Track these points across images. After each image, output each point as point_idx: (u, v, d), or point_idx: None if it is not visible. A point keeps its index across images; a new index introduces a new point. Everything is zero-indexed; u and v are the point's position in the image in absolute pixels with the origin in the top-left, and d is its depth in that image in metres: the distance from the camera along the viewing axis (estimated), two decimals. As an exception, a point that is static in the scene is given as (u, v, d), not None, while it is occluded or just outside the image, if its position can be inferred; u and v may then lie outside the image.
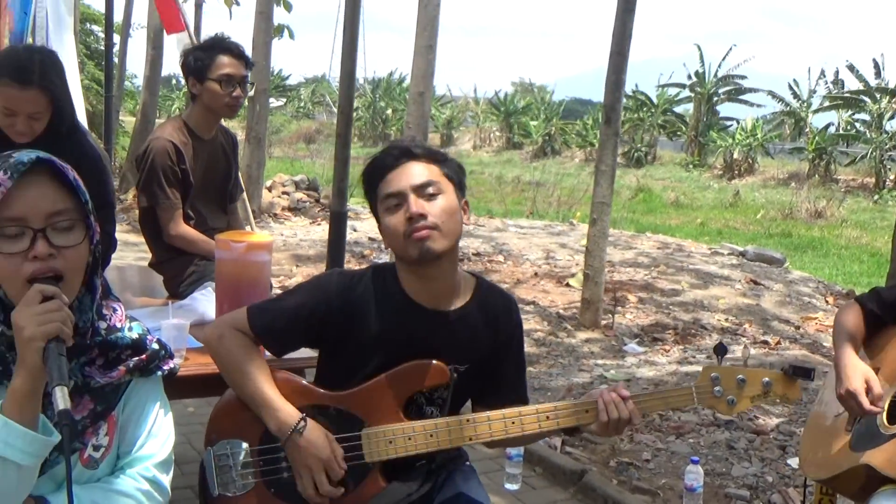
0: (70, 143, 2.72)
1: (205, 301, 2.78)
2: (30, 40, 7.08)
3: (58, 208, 1.49)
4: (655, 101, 29.32)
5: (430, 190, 1.91)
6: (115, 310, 1.65)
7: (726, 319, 7.02)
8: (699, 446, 4.16)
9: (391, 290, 1.98)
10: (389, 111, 35.25)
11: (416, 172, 1.92)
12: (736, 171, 24.76)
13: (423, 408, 2.02)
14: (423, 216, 1.87)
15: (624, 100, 6.62)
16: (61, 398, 1.33)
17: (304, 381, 2.04)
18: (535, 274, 8.33)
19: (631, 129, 27.86)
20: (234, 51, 3.20)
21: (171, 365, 1.72)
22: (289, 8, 11.02)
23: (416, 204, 1.88)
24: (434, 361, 1.95)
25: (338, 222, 4.44)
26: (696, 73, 28.68)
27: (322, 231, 10.44)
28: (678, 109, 30.54)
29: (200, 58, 3.17)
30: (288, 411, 1.91)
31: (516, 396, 2.09)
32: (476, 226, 11.26)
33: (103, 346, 1.60)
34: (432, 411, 2.03)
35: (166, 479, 1.67)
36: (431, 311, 1.98)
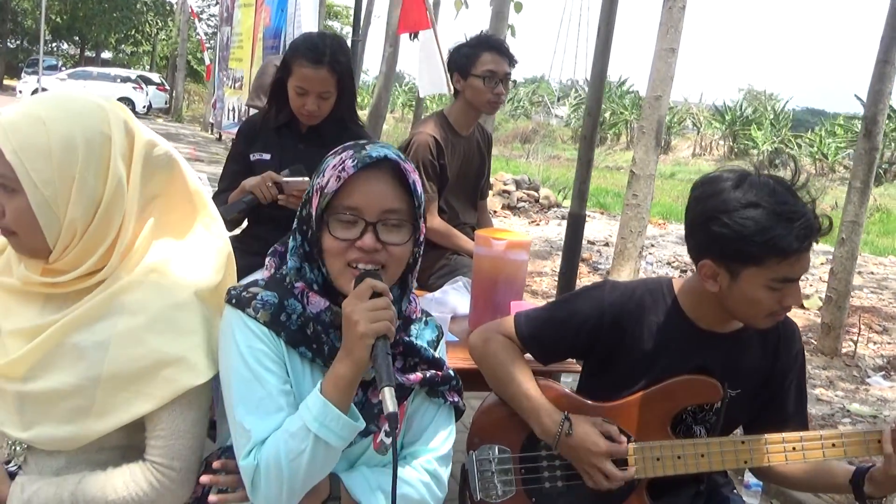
0: (349, 134, 2.83)
1: (457, 295, 2.81)
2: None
3: (393, 206, 1.53)
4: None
5: None
6: (410, 300, 1.69)
7: None
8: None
9: (667, 308, 1.90)
10: (608, 114, 34.72)
11: (809, 262, 1.77)
12: None
13: (692, 427, 1.93)
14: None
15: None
16: (390, 399, 1.36)
17: (567, 391, 2.00)
18: (766, 292, 7.87)
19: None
20: (499, 48, 3.21)
21: (456, 399, 1.71)
22: (519, 9, 11.09)
23: (798, 297, 1.79)
24: (706, 377, 1.86)
25: (575, 225, 4.36)
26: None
27: (541, 231, 10.43)
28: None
29: (466, 54, 3.21)
30: (551, 413, 1.88)
31: (795, 428, 1.94)
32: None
33: (407, 348, 1.63)
34: (700, 431, 1.94)
35: (445, 474, 1.69)
36: (707, 332, 1.89)
